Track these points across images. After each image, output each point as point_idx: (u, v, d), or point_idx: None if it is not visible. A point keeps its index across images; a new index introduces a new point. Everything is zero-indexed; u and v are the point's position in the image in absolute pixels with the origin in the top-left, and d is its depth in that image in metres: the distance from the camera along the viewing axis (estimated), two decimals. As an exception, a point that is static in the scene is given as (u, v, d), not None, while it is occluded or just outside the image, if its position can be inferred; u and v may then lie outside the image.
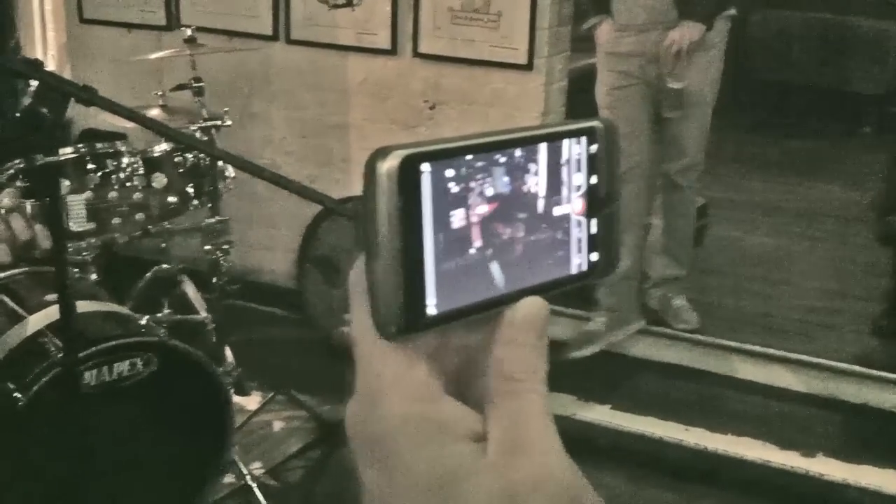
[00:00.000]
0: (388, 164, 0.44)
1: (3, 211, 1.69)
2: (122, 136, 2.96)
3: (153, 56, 3.04)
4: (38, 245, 1.73)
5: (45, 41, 4.05)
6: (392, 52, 3.56)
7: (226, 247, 2.84)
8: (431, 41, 3.50)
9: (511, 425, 0.45)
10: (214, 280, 2.91)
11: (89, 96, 1.58)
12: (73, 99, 1.60)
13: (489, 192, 0.47)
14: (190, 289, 3.08)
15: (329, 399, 3.16)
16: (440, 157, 0.45)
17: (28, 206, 1.71)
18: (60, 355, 2.26)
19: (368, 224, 0.44)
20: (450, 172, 0.45)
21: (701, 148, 3.44)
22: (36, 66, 1.57)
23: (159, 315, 2.92)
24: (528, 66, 3.40)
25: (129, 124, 2.92)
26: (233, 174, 2.69)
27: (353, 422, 0.46)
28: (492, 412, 0.45)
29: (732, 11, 3.35)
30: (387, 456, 0.45)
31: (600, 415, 3.18)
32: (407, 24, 3.52)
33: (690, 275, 3.66)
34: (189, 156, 2.80)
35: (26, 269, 2.65)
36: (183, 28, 3.00)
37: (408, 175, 0.44)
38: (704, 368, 3.42)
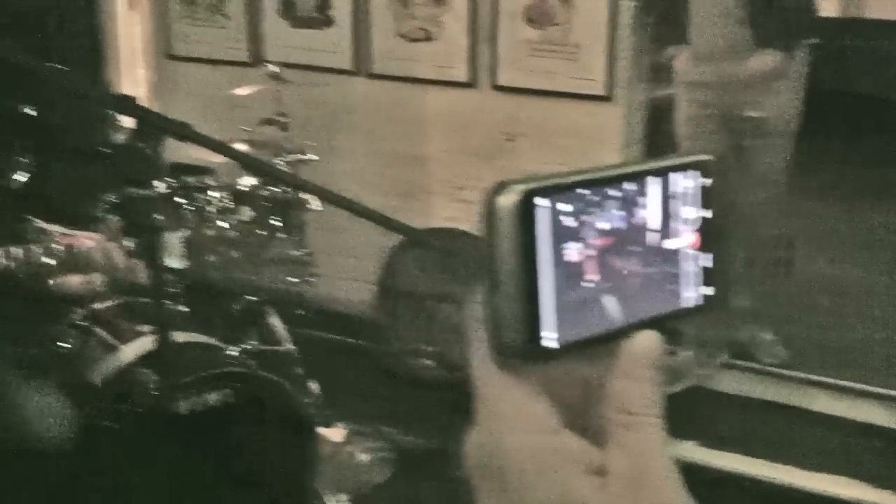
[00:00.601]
0: (507, 199, 0.45)
1: (103, 244, 1.74)
2: (208, 171, 3.04)
3: (240, 92, 3.12)
4: (135, 279, 1.78)
5: (133, 78, 4.17)
6: (470, 84, 3.58)
7: (310, 278, 2.88)
8: (509, 73, 3.52)
9: (632, 459, 0.45)
10: (299, 311, 2.95)
11: (185, 131, 1.62)
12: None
13: (603, 225, 0.47)
14: (275, 320, 3.12)
15: (410, 430, 3.16)
16: (556, 192, 0.46)
17: (127, 241, 1.76)
18: (155, 385, 2.32)
19: (487, 257, 0.45)
20: (565, 206, 0.46)
21: (782, 177, 3.39)
22: (132, 102, 1.61)
23: (245, 346, 2.97)
24: (607, 98, 3.40)
25: (217, 158, 3.02)
26: (318, 207, 2.73)
27: (473, 453, 0.47)
28: (611, 445, 0.46)
29: (814, 40, 3.31)
30: (510, 488, 0.45)
31: (686, 451, 3.13)
32: (485, 56, 3.55)
33: (774, 307, 3.59)
34: (275, 189, 2.86)
35: (118, 300, 2.73)
36: (267, 64, 3.07)
37: (526, 209, 0.45)
38: (792, 403, 3.35)
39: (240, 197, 2.79)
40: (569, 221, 0.46)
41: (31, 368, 1.74)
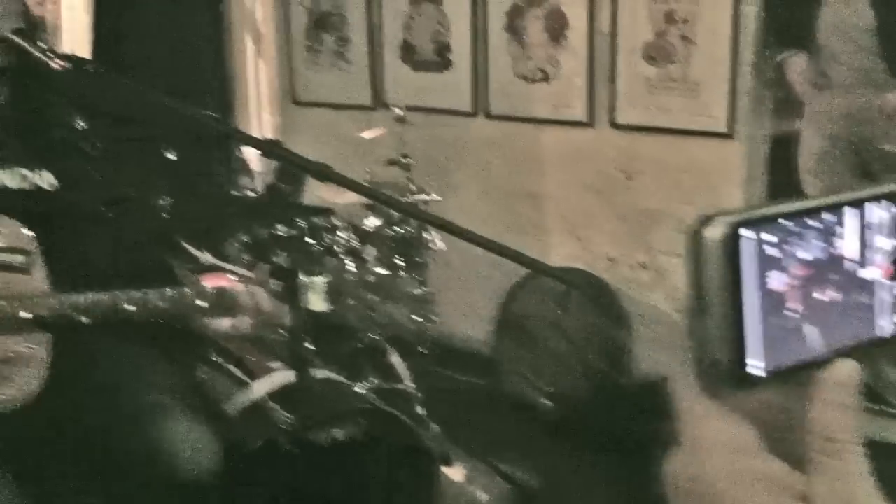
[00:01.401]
0: (714, 231, 0.47)
1: (251, 287, 1.82)
2: (331, 211, 3.14)
3: (366, 135, 3.21)
4: (278, 321, 1.85)
5: (260, 122, 4.34)
6: (588, 123, 3.60)
7: (432, 317, 2.92)
8: (628, 111, 3.52)
9: (836, 486, 0.46)
10: (420, 349, 3.00)
11: (326, 172, 1.70)
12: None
13: (804, 255, 0.49)
14: (395, 358, 3.18)
15: (528, 467, 3.16)
16: (760, 223, 0.48)
17: (273, 283, 1.84)
18: (285, 420, 2.39)
19: (694, 287, 0.47)
20: (769, 237, 0.48)
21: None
22: (275, 146, 1.69)
23: (367, 383, 3.03)
24: (728, 135, 3.36)
25: (340, 200, 3.11)
26: (440, 246, 2.78)
27: (676, 477, 0.48)
28: (814, 472, 0.46)
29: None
30: None
31: None
32: (603, 95, 3.56)
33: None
34: (398, 229, 2.93)
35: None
36: (393, 108, 3.16)
37: (732, 240, 0.47)
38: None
39: (365, 237, 2.87)
40: (773, 252, 0.48)
41: (175, 401, 1.83)
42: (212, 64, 4.10)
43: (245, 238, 2.82)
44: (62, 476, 1.77)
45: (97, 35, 3.73)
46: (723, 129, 3.34)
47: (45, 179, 1.88)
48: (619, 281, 3.60)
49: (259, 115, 4.33)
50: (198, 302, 1.80)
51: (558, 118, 3.65)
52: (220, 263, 1.96)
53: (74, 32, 3.69)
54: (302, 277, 1.78)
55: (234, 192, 4.35)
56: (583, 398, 3.44)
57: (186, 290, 1.80)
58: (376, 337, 3.15)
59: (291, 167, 1.69)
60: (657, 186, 3.52)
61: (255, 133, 4.38)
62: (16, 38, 1.72)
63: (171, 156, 2.13)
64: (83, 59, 1.70)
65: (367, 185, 1.87)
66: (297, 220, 3.01)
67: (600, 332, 3.48)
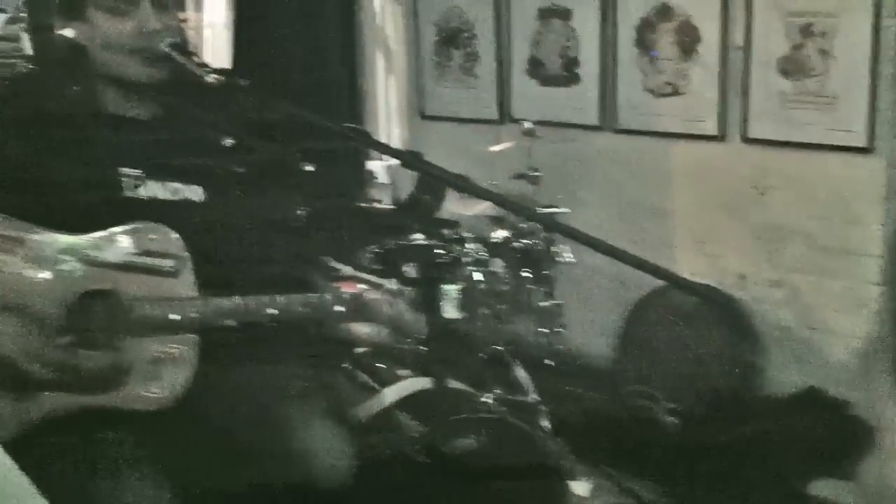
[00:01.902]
0: None
1: (390, 295, 1.87)
2: (457, 224, 3.17)
3: (495, 148, 3.24)
4: (414, 331, 1.88)
5: (389, 136, 4.43)
6: (719, 137, 3.54)
7: (559, 329, 2.92)
8: (761, 126, 3.44)
9: None
10: (545, 361, 2.99)
11: (465, 184, 1.73)
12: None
13: None
14: (520, 371, 3.18)
15: (652, 484, 3.11)
16: None
17: (408, 291, 1.87)
18: (414, 428, 2.43)
19: None
20: None
21: None
22: (417, 158, 1.73)
23: (492, 394, 3.04)
24: (868, 149, 3.25)
25: (466, 212, 3.14)
26: (569, 259, 2.78)
27: (881, 486, 0.48)
28: None
29: None
30: None
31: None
32: (735, 109, 3.49)
33: None
34: (525, 241, 2.93)
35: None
36: (521, 121, 3.18)
37: None
38: None
39: (492, 249, 2.89)
40: None
41: (314, 406, 1.88)
42: (343, 79, 4.21)
43: (376, 248, 2.88)
44: (205, 477, 1.84)
45: (235, 51, 3.89)
46: (862, 143, 3.23)
47: (194, 192, 1.98)
48: (750, 299, 3.52)
49: (388, 128, 4.42)
50: (336, 307, 1.85)
51: (688, 132, 3.60)
52: (356, 273, 2.01)
53: (215, 49, 3.85)
54: (440, 286, 1.81)
55: (363, 204, 4.46)
56: (710, 415, 3.37)
57: (326, 295, 1.86)
58: (500, 348, 3.17)
59: (432, 179, 1.71)
60: (791, 202, 3.42)
61: (384, 147, 4.47)
62: (173, 53, 1.81)
63: (309, 168, 2.19)
64: (236, 73, 1.76)
65: (503, 196, 1.88)
66: (427, 231, 3.06)
67: (730, 349, 3.40)
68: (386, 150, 1.73)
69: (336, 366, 2.67)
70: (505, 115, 4.05)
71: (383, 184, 4.49)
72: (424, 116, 4.31)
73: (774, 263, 3.50)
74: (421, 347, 2.95)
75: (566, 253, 2.77)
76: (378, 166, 4.46)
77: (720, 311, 3.42)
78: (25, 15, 4.61)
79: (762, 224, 3.52)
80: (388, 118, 4.41)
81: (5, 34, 3.94)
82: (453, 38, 4.13)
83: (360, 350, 2.88)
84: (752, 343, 3.47)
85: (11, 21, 4.04)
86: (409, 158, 1.72)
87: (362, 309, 1.87)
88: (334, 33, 4.14)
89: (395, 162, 4.43)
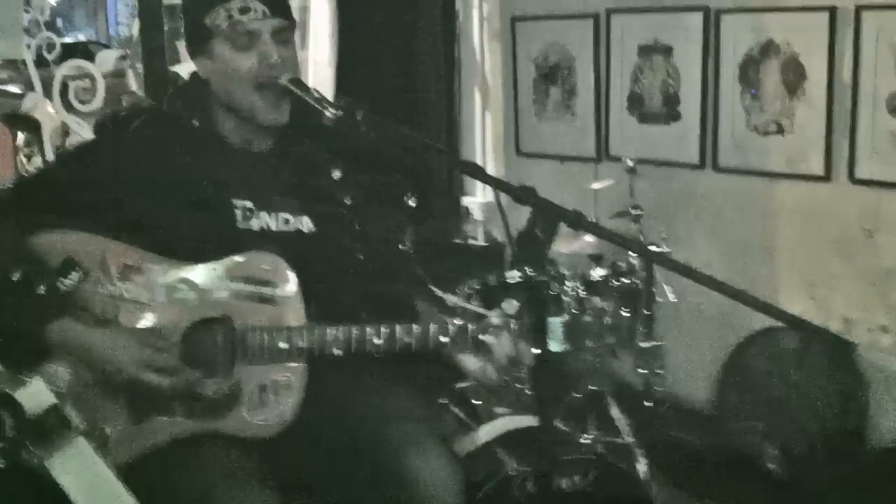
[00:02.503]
0: None
1: (498, 328, 1.86)
2: (552, 262, 3.15)
3: (596, 185, 3.23)
4: (521, 364, 1.87)
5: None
6: (826, 177, 3.45)
7: (658, 371, 2.87)
8: (870, 165, 3.34)
9: None
10: (645, 404, 2.94)
11: (579, 220, 1.71)
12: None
13: None
14: (615, 411, 3.13)
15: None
16: None
17: (513, 324, 1.86)
18: (510, 467, 2.41)
19: None
20: None
21: None
22: (530, 193, 1.72)
23: (587, 435, 3.00)
24: None
25: (564, 249, 3.12)
26: (671, 299, 2.73)
27: None
28: None
29: None
30: None
31: None
32: (842, 148, 3.40)
33: None
34: (625, 280, 2.90)
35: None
36: (624, 158, 3.16)
37: None
38: None
39: (591, 287, 2.86)
40: None
41: (423, 436, 1.87)
42: (441, 114, 4.25)
43: (475, 284, 2.88)
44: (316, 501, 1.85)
45: (337, 87, 3.96)
46: (978, 185, 3.12)
47: (305, 224, 2.01)
48: (857, 343, 3.41)
49: (484, 163, 4.44)
50: (441, 338, 1.86)
51: (793, 172, 3.52)
52: (461, 304, 2.01)
53: (317, 85, 3.93)
54: (547, 320, 1.79)
55: (458, 241, 4.48)
56: (815, 460, 3.26)
57: (431, 326, 1.86)
58: (595, 388, 3.13)
59: (545, 214, 1.70)
60: (902, 245, 3.32)
61: (480, 185, 4.49)
62: (292, 87, 1.85)
63: (411, 203, 2.21)
64: (354, 106, 1.79)
65: (615, 234, 1.86)
66: (524, 268, 3.05)
67: (835, 392, 3.30)
68: (499, 184, 1.72)
69: (434, 400, 2.67)
70: (602, 152, 4.02)
71: (478, 220, 4.51)
72: (520, 152, 4.32)
73: (883, 308, 3.38)
74: (519, 385, 2.94)
75: (668, 292, 2.72)
76: (473, 203, 4.48)
77: (828, 353, 3.32)
78: (128, 52, 4.80)
79: (870, 267, 3.41)
80: (483, 153, 4.43)
81: (115, 70, 4.08)
82: (552, 74, 4.14)
83: (459, 385, 2.88)
84: (859, 387, 3.36)
85: (122, 57, 4.19)
86: (522, 193, 1.71)
87: (467, 340, 1.87)
88: (434, 69, 4.18)
89: (490, 199, 4.46)
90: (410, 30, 4.10)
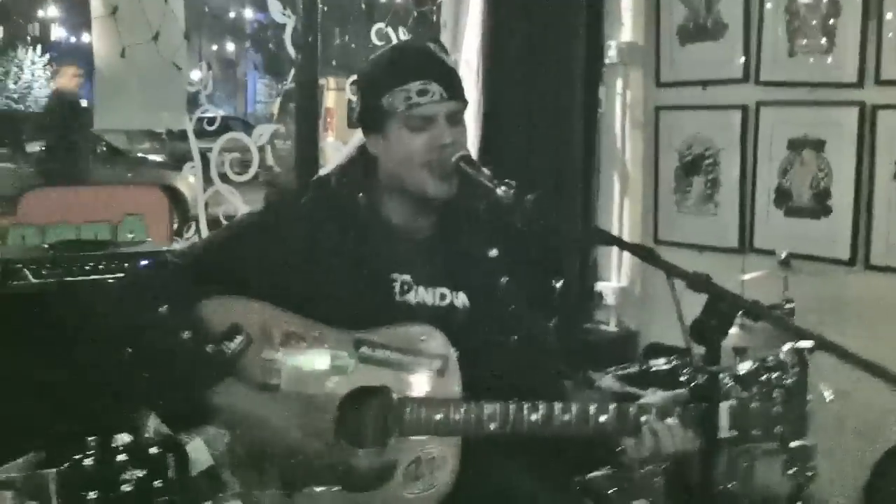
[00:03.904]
0: None
1: (652, 417, 1.81)
2: (685, 351, 3.07)
3: (746, 277, 3.15)
4: (686, 452, 1.81)
5: (620, 260, 4.41)
6: None
7: (809, 473, 2.74)
8: None
9: None
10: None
11: (759, 310, 1.67)
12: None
13: None
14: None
15: None
16: None
17: (678, 410, 1.82)
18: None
19: None
20: None
21: None
22: (705, 280, 1.69)
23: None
24: None
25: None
26: (828, 397, 2.62)
27: None
28: None
29: None
30: None
31: None
32: None
33: None
34: (774, 375, 2.80)
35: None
36: (778, 251, 3.08)
37: None
38: None
39: (739, 380, 2.77)
40: None
41: None
42: (579, 199, 4.24)
43: (618, 370, 2.83)
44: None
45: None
46: None
47: (460, 300, 2.02)
48: None
49: (620, 252, 4.40)
50: (600, 419, 1.82)
51: (952, 273, 3.37)
52: (619, 385, 1.97)
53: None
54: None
55: (588, 325, 4.43)
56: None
57: (591, 406, 1.83)
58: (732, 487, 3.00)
59: (722, 301, 1.66)
60: None
61: (614, 272, 4.45)
62: (464, 165, 1.88)
63: (558, 286, 2.20)
64: (523, 186, 1.80)
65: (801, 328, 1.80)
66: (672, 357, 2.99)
67: None
68: (672, 270, 1.69)
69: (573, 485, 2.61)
70: (745, 244, 3.94)
71: (610, 306, 4.45)
72: (658, 241, 4.26)
73: None
74: (655, 478, 2.85)
75: (825, 390, 2.61)
76: (607, 288, 4.43)
77: None
78: (282, 128, 5.00)
79: None
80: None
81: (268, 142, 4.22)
82: (695, 164, 4.10)
83: (590, 475, 2.81)
84: None
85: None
86: (697, 280, 1.68)
87: (627, 422, 1.83)
88: (574, 153, 4.19)
89: (623, 285, 4.41)
90: (553, 115, 4.13)
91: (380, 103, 1.93)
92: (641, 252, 1.78)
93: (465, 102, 1.98)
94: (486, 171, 1.86)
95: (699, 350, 1.68)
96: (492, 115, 3.93)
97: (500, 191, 1.80)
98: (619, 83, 4.34)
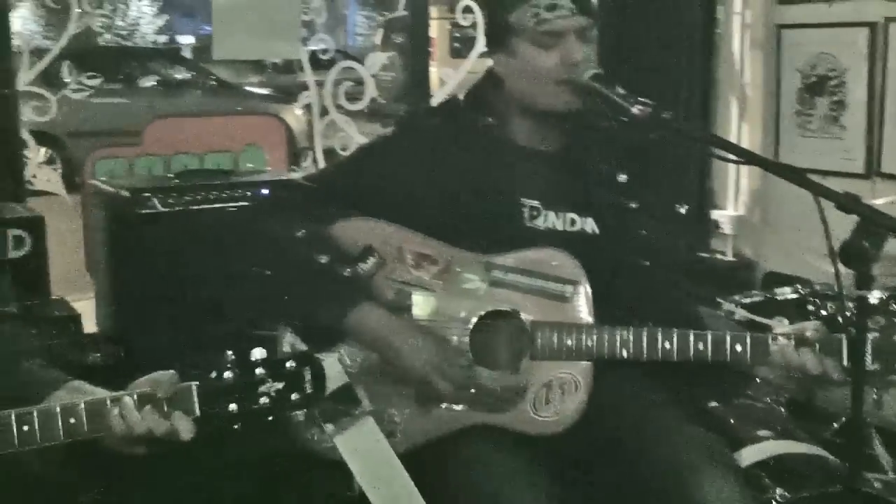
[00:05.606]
0: None
1: (790, 342, 1.78)
2: (806, 281, 2.99)
3: (878, 202, 3.03)
4: (832, 381, 1.78)
5: (737, 186, 4.30)
6: None
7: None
8: None
9: None
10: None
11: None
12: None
13: None
14: (879, 447, 2.92)
15: None
16: None
17: (819, 339, 1.78)
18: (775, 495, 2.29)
19: None
20: None
21: None
22: (857, 201, 1.63)
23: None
24: None
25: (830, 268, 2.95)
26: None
27: None
28: None
29: None
30: None
31: None
32: None
33: None
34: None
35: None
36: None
37: None
38: None
39: (868, 310, 2.68)
40: None
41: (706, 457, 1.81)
42: (696, 125, 4.13)
43: (742, 299, 2.78)
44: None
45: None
46: None
47: (589, 225, 1.99)
48: None
49: (737, 178, 4.30)
50: (737, 348, 1.80)
51: None
52: (752, 316, 1.94)
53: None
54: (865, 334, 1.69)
55: (704, 255, 4.35)
56: None
57: (726, 334, 1.80)
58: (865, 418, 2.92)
59: (874, 224, 1.60)
60: None
61: (731, 199, 4.35)
62: (595, 84, 1.83)
63: (682, 211, 2.14)
64: (659, 106, 1.75)
65: None
66: (797, 286, 2.91)
67: None
68: (822, 191, 1.63)
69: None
70: (872, 169, 3.79)
71: (727, 234, 4.36)
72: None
73: None
74: (782, 409, 2.80)
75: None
76: (723, 216, 4.34)
77: None
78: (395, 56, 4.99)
79: None
80: (738, 168, 4.28)
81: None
82: (819, 85, 3.94)
83: (712, 404, 2.78)
84: None
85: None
86: (845, 201, 1.62)
87: (766, 352, 1.80)
88: (691, 75, 4.08)
89: (741, 213, 4.30)
90: (669, 37, 4.02)
91: (507, 20, 1.89)
92: (786, 172, 1.72)
93: (596, 17, 1.92)
94: (620, 89, 1.81)
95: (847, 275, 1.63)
96: (607, 38, 3.84)
97: (637, 109, 1.75)
98: (738, 1, 4.19)
